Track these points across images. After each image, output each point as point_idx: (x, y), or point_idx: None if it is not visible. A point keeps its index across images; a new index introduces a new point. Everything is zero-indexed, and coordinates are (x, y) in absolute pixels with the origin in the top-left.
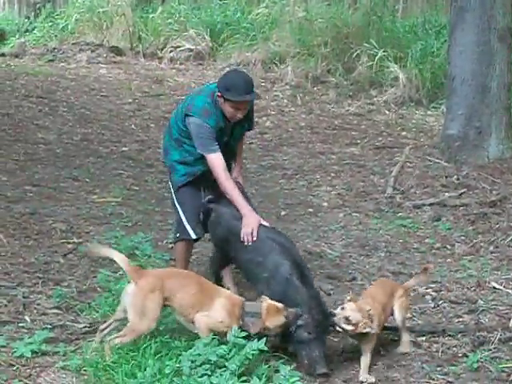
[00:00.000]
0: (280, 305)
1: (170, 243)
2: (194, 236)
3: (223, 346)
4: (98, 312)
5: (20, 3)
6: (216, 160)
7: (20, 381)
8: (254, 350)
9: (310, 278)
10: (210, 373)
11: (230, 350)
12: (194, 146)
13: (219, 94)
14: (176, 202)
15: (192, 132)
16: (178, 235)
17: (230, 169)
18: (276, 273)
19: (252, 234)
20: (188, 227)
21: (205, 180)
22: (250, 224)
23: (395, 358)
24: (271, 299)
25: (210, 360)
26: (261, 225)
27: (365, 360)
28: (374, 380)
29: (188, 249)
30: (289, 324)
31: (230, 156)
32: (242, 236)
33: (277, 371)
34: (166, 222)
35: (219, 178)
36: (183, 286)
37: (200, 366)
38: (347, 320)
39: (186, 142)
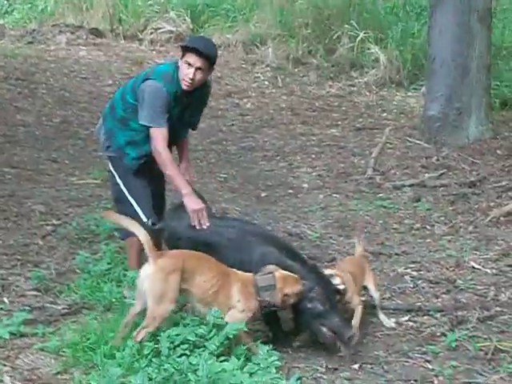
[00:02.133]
0: (291, 274)
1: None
2: (151, 229)
3: (203, 327)
4: (76, 294)
5: None
6: (161, 134)
7: None
8: (234, 331)
9: (299, 254)
10: (188, 353)
11: (210, 331)
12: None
13: (181, 53)
14: (127, 193)
15: (145, 98)
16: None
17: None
18: (265, 262)
19: (199, 216)
20: (144, 219)
21: (152, 167)
22: (193, 206)
23: (374, 338)
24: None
25: (189, 340)
26: (230, 220)
27: (356, 317)
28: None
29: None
30: (303, 294)
31: (173, 140)
32: (192, 220)
33: (254, 352)
34: None
35: (161, 155)
36: (202, 267)
37: (178, 346)
38: (331, 276)
39: (132, 119)
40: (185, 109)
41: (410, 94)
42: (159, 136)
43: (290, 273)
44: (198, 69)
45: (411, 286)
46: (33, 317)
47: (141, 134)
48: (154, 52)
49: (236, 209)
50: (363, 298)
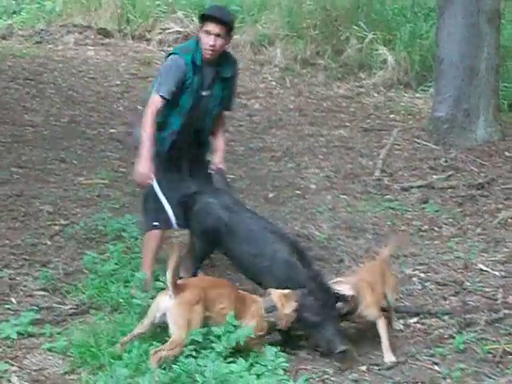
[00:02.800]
0: (285, 291)
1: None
2: (175, 225)
3: (214, 328)
4: (84, 294)
5: None
6: (156, 101)
7: (6, 362)
8: (243, 337)
9: (309, 260)
10: (195, 354)
11: (219, 336)
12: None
13: (200, 24)
14: (154, 182)
15: (162, 66)
16: (155, 224)
17: (203, 146)
18: (276, 259)
19: (142, 179)
20: (171, 214)
21: (186, 148)
22: (139, 169)
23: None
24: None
25: (197, 341)
26: (255, 214)
27: (385, 342)
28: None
29: (162, 240)
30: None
31: (205, 119)
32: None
33: (262, 355)
34: None
35: (146, 117)
36: (222, 296)
37: (186, 346)
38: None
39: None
40: (213, 83)
41: (418, 95)
42: (153, 102)
43: (282, 291)
44: (217, 35)
45: (419, 287)
46: (40, 317)
47: (171, 113)
48: (162, 52)
49: None
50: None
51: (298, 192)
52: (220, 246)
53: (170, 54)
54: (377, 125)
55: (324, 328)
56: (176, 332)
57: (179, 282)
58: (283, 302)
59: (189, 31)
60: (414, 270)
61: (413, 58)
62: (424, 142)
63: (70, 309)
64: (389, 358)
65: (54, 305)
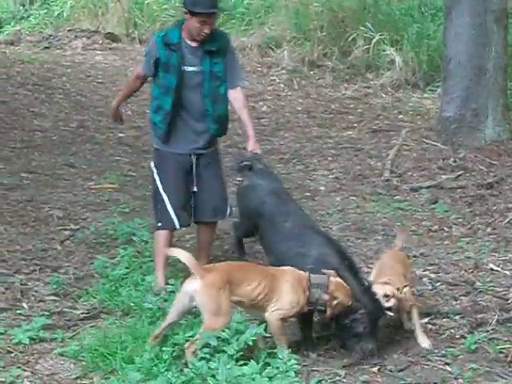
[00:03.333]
0: (345, 284)
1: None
2: (178, 225)
3: (225, 330)
4: (95, 298)
5: None
6: (137, 71)
7: (18, 367)
8: (254, 336)
9: (358, 270)
10: (208, 357)
11: (232, 336)
12: (158, 85)
13: (186, 11)
14: (159, 186)
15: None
16: (159, 224)
17: (209, 131)
18: (322, 263)
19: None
20: (173, 215)
21: (186, 133)
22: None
23: (393, 340)
24: None
25: (210, 344)
26: (302, 212)
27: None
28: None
29: (170, 239)
30: (348, 311)
31: (200, 111)
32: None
33: (275, 356)
34: None
35: (127, 79)
36: (248, 277)
37: (200, 349)
38: (387, 297)
39: (153, 86)
40: (200, 58)
41: (426, 95)
42: (136, 75)
43: (345, 284)
44: (211, 23)
45: (430, 288)
46: (52, 322)
47: (161, 96)
48: None
49: None
50: None
51: (307, 194)
52: (258, 231)
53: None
54: (385, 125)
55: (367, 340)
56: (208, 317)
57: (204, 267)
58: (337, 288)
59: None
60: (424, 271)
61: (420, 59)
62: (433, 142)
63: (82, 313)
64: (425, 343)
65: (66, 310)
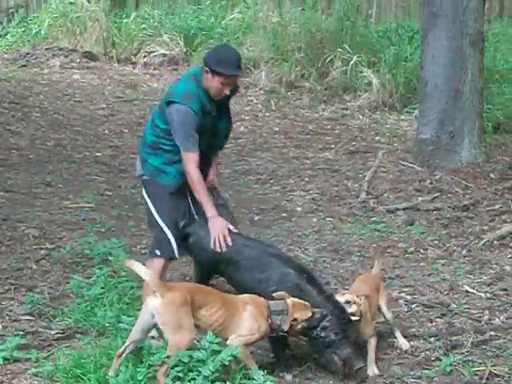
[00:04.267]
0: (302, 301)
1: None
2: (177, 256)
3: (200, 350)
4: (70, 318)
5: None
6: (193, 159)
7: None
8: (230, 357)
9: (318, 280)
10: (182, 375)
11: (207, 357)
12: (174, 143)
13: (207, 69)
14: (157, 216)
15: (174, 124)
16: (159, 252)
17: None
18: (284, 283)
19: (221, 239)
20: (174, 244)
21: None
22: (217, 230)
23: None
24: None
25: (184, 362)
26: (253, 240)
27: (371, 349)
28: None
29: (166, 267)
30: (314, 322)
31: (211, 153)
32: (212, 243)
33: (250, 378)
34: (140, 228)
35: (192, 177)
36: (207, 301)
37: (172, 368)
38: (348, 303)
39: (164, 142)
40: (217, 114)
41: (402, 117)
42: (191, 160)
43: (299, 300)
44: (233, 84)
45: (405, 310)
46: (26, 341)
47: (179, 153)
48: (148, 75)
49: None
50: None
51: (283, 215)
52: (221, 274)
53: (173, 102)
54: (362, 147)
55: (342, 346)
56: (171, 335)
57: (166, 284)
58: (297, 308)
59: (174, 54)
60: (400, 292)
61: (397, 81)
62: (409, 164)
63: (56, 333)
64: (372, 370)
65: (40, 329)
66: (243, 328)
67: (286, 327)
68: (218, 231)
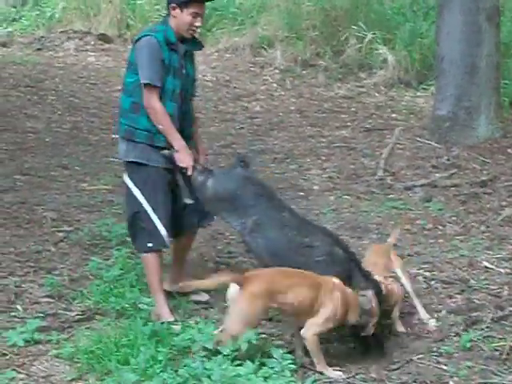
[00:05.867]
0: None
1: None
2: (169, 245)
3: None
4: (90, 300)
5: None
6: (155, 91)
7: (13, 370)
8: (245, 342)
9: (358, 259)
10: (203, 358)
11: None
12: None
13: (174, 5)
14: (143, 200)
15: (138, 54)
16: (150, 245)
17: (187, 130)
18: (332, 262)
19: (189, 171)
20: (164, 233)
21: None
22: (185, 162)
23: (387, 339)
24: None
25: (207, 348)
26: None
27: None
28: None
29: (161, 258)
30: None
31: (187, 103)
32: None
33: (270, 356)
34: None
35: (155, 110)
36: (293, 285)
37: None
38: None
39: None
40: (186, 60)
41: (419, 94)
42: (153, 93)
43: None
44: (202, 15)
45: (424, 286)
46: (46, 324)
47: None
48: None
49: None
50: None
51: (300, 193)
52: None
53: (139, 38)
54: (378, 124)
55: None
56: (230, 324)
57: (247, 275)
58: (375, 307)
59: None
60: (418, 269)
61: (413, 57)
62: (426, 141)
63: (76, 315)
64: (400, 328)
65: (60, 311)
66: (323, 313)
67: (370, 332)
68: (185, 164)
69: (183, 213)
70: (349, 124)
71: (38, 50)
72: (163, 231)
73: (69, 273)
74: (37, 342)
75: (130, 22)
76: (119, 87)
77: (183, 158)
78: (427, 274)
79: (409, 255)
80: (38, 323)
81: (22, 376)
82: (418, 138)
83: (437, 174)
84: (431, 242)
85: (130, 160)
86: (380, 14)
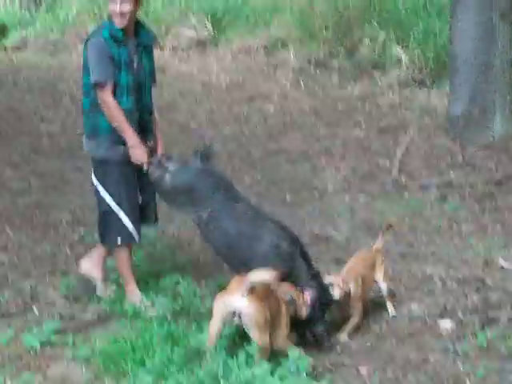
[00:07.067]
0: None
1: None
2: (138, 239)
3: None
4: (105, 302)
5: None
6: (108, 86)
7: (30, 372)
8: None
9: (308, 255)
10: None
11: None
12: None
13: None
14: (108, 197)
15: (87, 56)
16: (119, 241)
17: (146, 122)
18: (279, 248)
19: (145, 167)
20: (131, 228)
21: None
22: (137, 158)
23: (405, 338)
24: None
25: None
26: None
27: (352, 322)
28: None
29: (130, 253)
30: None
31: (145, 97)
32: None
33: (286, 356)
34: (171, 211)
35: (109, 106)
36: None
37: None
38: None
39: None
40: (138, 53)
41: (433, 93)
42: (104, 90)
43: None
44: (122, 1)
45: (440, 286)
46: (63, 326)
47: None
48: (176, 58)
49: None
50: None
51: (315, 194)
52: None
53: (88, 39)
54: (393, 124)
55: (318, 323)
56: (258, 337)
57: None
58: (297, 294)
59: (202, 36)
60: (434, 269)
61: (427, 56)
62: (441, 140)
63: (92, 317)
64: (343, 337)
65: (76, 313)
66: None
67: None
68: (139, 160)
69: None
70: (363, 124)
71: (52, 53)
72: (130, 226)
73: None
74: (53, 344)
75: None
76: None
77: (137, 154)
78: (443, 273)
79: (424, 254)
80: (54, 325)
81: (38, 378)
82: (433, 137)
83: (452, 173)
84: (447, 241)
85: (95, 158)
86: (393, 12)
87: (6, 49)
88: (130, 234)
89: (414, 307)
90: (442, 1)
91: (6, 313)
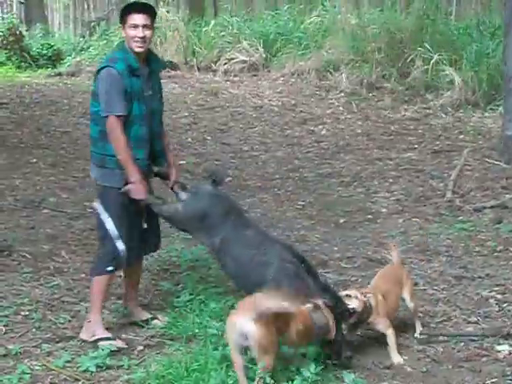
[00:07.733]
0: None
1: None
2: (125, 267)
3: None
4: (160, 325)
5: (75, 22)
6: (118, 120)
7: None
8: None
9: (314, 268)
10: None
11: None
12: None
13: (121, 24)
14: (110, 223)
15: (99, 85)
16: (110, 268)
17: (158, 148)
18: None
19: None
20: (122, 255)
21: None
22: (135, 195)
23: (462, 360)
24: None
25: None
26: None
27: (390, 341)
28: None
29: (112, 281)
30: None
31: (157, 125)
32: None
33: (342, 380)
34: None
35: (118, 140)
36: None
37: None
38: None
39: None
40: (150, 80)
41: (486, 114)
42: (117, 122)
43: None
44: (144, 26)
45: (496, 309)
46: (118, 349)
47: (129, 128)
48: (229, 82)
49: (315, 236)
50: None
51: (368, 216)
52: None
53: (100, 70)
54: (446, 146)
55: (335, 334)
56: (262, 357)
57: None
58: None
59: (254, 60)
60: (490, 292)
61: (480, 77)
62: (495, 162)
63: (147, 340)
64: (397, 359)
65: (131, 337)
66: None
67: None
68: (139, 196)
69: (145, 238)
70: (416, 146)
71: None
72: (123, 254)
73: (139, 298)
74: (108, 368)
75: (196, 49)
76: (186, 113)
77: (137, 190)
78: (499, 296)
79: (480, 277)
80: (109, 349)
81: None
82: (487, 159)
83: (507, 195)
84: (502, 263)
85: (102, 184)
86: (446, 34)
87: (61, 74)
88: (122, 262)
89: (470, 331)
90: (494, 21)
91: (62, 336)
